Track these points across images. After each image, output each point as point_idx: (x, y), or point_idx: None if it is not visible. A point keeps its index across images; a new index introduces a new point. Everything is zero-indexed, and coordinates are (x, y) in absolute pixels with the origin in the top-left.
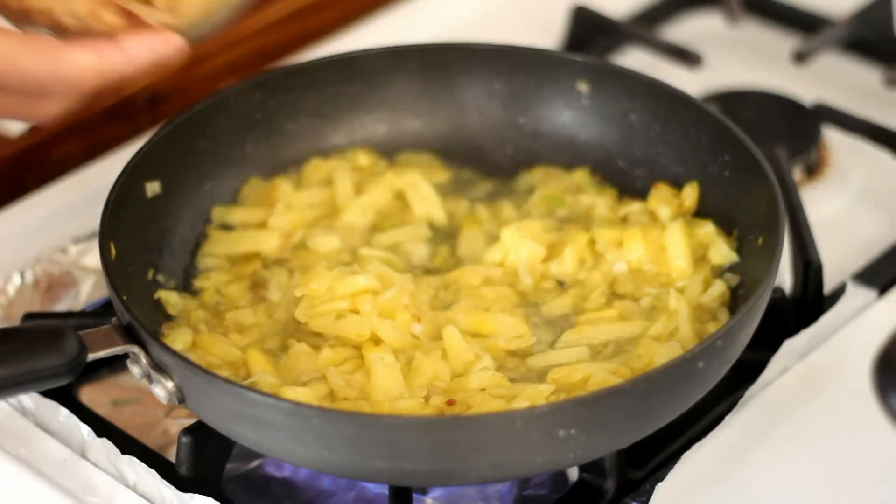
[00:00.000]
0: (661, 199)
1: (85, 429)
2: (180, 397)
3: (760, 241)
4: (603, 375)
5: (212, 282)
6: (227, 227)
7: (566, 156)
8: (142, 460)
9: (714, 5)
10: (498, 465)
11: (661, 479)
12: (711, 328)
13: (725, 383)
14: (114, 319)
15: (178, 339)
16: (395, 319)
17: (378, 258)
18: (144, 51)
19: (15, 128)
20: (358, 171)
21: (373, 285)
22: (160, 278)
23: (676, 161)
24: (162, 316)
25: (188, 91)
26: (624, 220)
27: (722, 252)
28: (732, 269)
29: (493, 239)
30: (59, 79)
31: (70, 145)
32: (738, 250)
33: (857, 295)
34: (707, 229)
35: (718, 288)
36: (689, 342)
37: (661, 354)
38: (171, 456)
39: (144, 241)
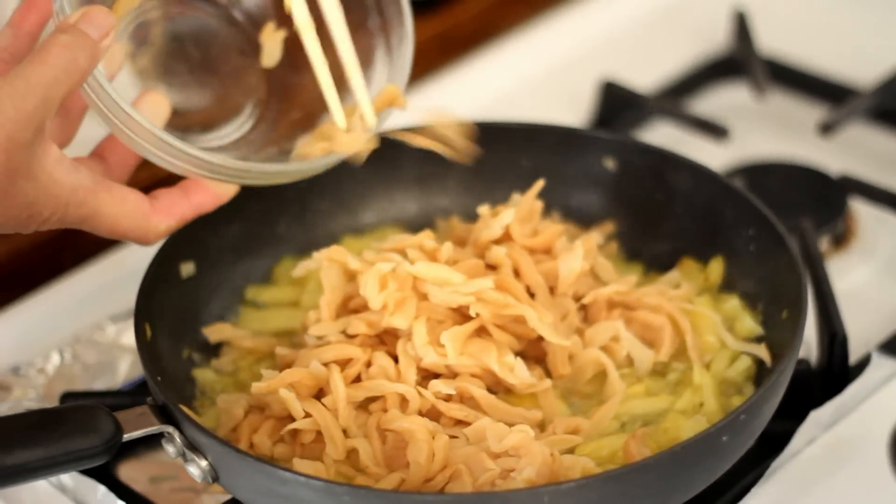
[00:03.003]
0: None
1: None
2: (214, 476)
3: (785, 314)
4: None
5: (245, 361)
6: (259, 306)
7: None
8: None
9: (741, 77)
10: None
11: None
12: (736, 402)
13: (752, 454)
14: (149, 399)
15: (213, 416)
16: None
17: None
18: (209, 199)
19: None
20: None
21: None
22: (195, 357)
23: (702, 236)
24: (198, 393)
25: None
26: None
27: (747, 326)
28: (759, 340)
29: None
30: (139, 238)
31: None
32: (764, 323)
33: (882, 366)
34: (732, 303)
35: (744, 362)
36: (715, 416)
37: (688, 429)
38: None
39: (179, 320)
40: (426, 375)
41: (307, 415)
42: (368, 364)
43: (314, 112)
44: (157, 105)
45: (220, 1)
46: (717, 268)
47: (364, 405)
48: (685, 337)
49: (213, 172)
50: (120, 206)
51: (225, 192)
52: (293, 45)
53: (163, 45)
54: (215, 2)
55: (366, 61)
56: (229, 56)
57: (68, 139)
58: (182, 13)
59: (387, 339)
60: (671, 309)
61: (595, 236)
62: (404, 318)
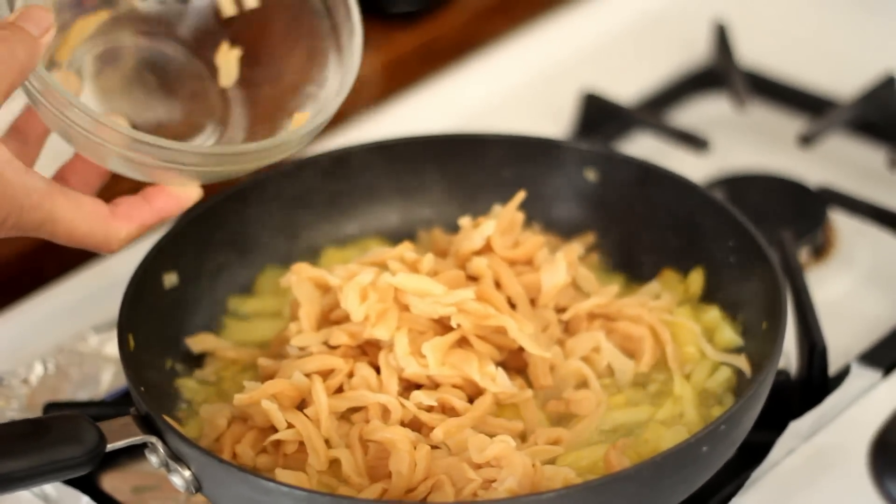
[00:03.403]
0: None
1: None
2: (197, 486)
3: (765, 325)
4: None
5: (229, 371)
6: (242, 317)
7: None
8: None
9: (721, 89)
10: None
11: None
12: (716, 412)
13: (731, 465)
14: (132, 410)
15: (196, 427)
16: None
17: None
18: (171, 204)
19: None
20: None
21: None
22: (178, 367)
23: (683, 247)
24: (181, 403)
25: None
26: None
27: (727, 337)
28: (739, 351)
29: None
30: (100, 245)
31: None
32: (744, 334)
33: (861, 376)
34: (712, 314)
35: (724, 373)
36: (695, 427)
37: (668, 439)
38: None
39: (162, 331)
40: (408, 386)
41: (290, 426)
42: (350, 375)
43: (276, 124)
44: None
45: (176, 32)
46: (697, 279)
47: (346, 416)
48: (665, 348)
49: (181, 163)
50: (77, 211)
51: (188, 196)
52: (251, 61)
53: (124, 69)
54: (171, 31)
55: (320, 63)
56: (187, 80)
57: (29, 165)
58: (142, 41)
59: (368, 350)
60: (652, 320)
61: (576, 248)
62: (386, 329)
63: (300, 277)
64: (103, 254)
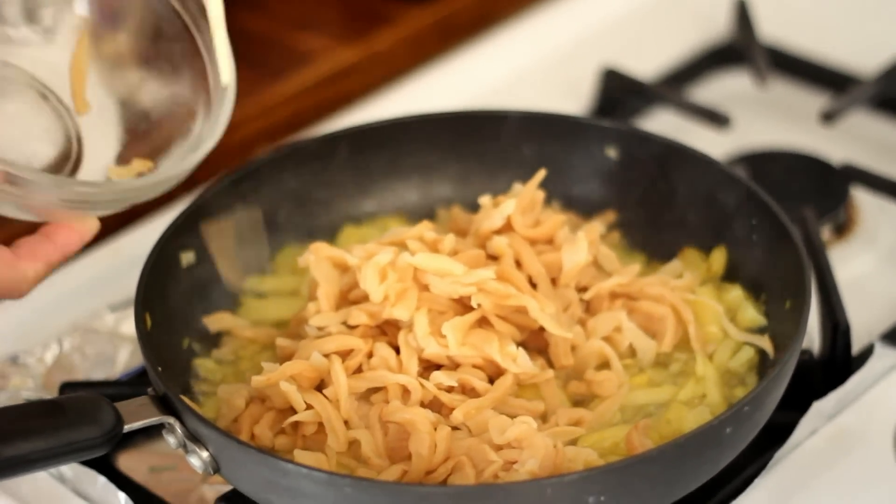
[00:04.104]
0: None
1: (122, 496)
2: (215, 467)
3: (788, 304)
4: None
5: (247, 350)
6: (260, 295)
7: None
8: None
9: (742, 65)
10: None
11: None
12: (740, 393)
13: (754, 446)
14: (149, 390)
15: (213, 407)
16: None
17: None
18: (73, 239)
19: None
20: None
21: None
22: (195, 347)
23: (705, 225)
24: (198, 383)
25: (222, 158)
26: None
27: (750, 316)
28: (762, 331)
29: None
30: (10, 290)
31: None
32: (767, 314)
33: (885, 356)
34: (735, 294)
35: (746, 353)
36: (718, 407)
37: (690, 420)
38: None
39: (180, 310)
40: (428, 366)
41: (308, 407)
42: (370, 355)
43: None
44: None
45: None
46: (719, 257)
47: (366, 396)
48: (688, 327)
49: (77, 199)
50: None
51: (88, 229)
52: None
53: None
54: None
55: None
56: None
57: None
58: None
59: (388, 330)
60: (674, 299)
61: (597, 226)
62: (405, 309)
63: (318, 257)
64: (13, 299)
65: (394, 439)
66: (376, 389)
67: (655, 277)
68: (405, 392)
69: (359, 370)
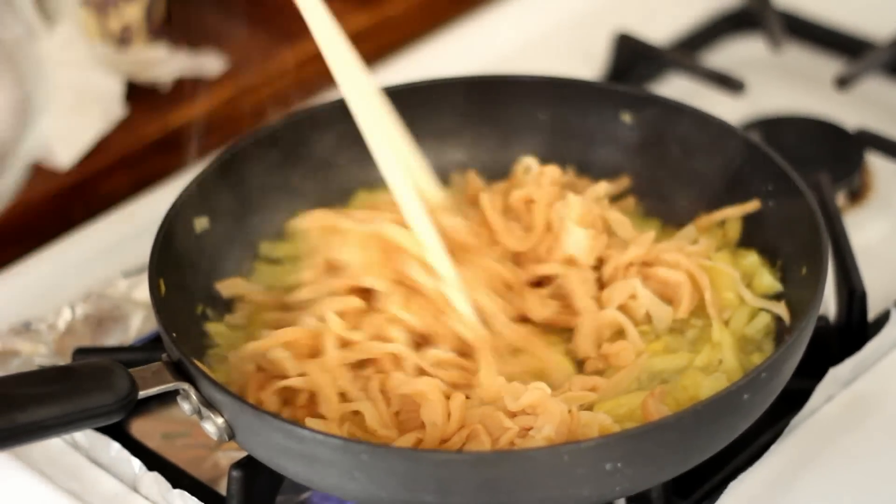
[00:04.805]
0: (705, 230)
1: (136, 463)
2: (230, 433)
3: (804, 270)
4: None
5: (259, 316)
6: (273, 261)
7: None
8: (193, 494)
9: (756, 30)
10: (545, 498)
11: None
12: (756, 359)
13: (770, 412)
14: (164, 356)
15: (225, 373)
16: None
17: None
18: None
19: (63, 161)
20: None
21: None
22: (209, 312)
23: (720, 191)
24: (211, 349)
25: (234, 124)
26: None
27: (766, 282)
28: (777, 297)
29: None
30: None
31: (117, 179)
32: (783, 280)
33: None
34: (750, 259)
35: (763, 319)
36: (734, 374)
37: (707, 386)
38: (222, 489)
39: (193, 276)
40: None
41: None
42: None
43: None
44: None
45: None
46: (734, 223)
47: (359, 367)
48: (704, 293)
49: None
50: None
51: None
52: None
53: None
54: None
55: None
56: None
57: None
58: None
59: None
60: (689, 265)
61: (602, 186)
62: (381, 281)
63: (308, 225)
64: None
65: (401, 411)
66: (368, 362)
67: (671, 243)
68: (396, 360)
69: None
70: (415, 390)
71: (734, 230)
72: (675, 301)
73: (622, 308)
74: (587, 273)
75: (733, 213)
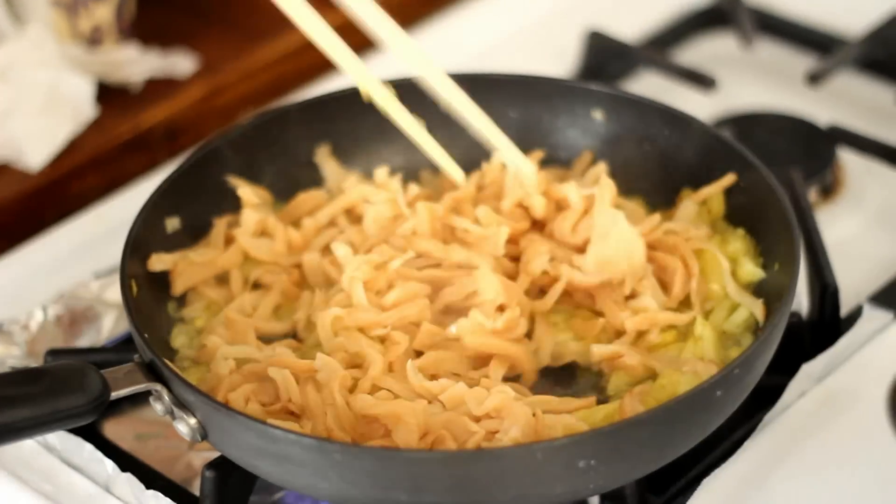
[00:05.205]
0: (689, 211)
1: (109, 464)
2: (203, 434)
3: (777, 266)
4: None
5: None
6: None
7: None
8: (166, 495)
9: (727, 27)
10: (519, 496)
11: None
12: (734, 354)
13: (743, 409)
14: (136, 357)
15: (197, 373)
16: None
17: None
18: None
19: (34, 162)
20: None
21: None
22: (172, 311)
23: (692, 187)
24: (183, 349)
25: (205, 123)
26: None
27: (749, 270)
28: (760, 286)
29: None
30: None
31: (89, 179)
32: (764, 267)
33: (873, 317)
34: (735, 247)
35: (742, 314)
36: (713, 369)
37: (684, 383)
38: (195, 489)
39: (164, 277)
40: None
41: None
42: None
43: None
44: None
45: None
46: (717, 198)
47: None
48: (691, 282)
49: None
50: None
51: None
52: None
53: None
54: None
55: None
56: None
57: None
58: None
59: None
60: (685, 251)
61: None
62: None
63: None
64: None
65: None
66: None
67: (678, 224)
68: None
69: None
70: (388, 412)
71: (718, 205)
72: (668, 287)
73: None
74: None
75: (713, 191)
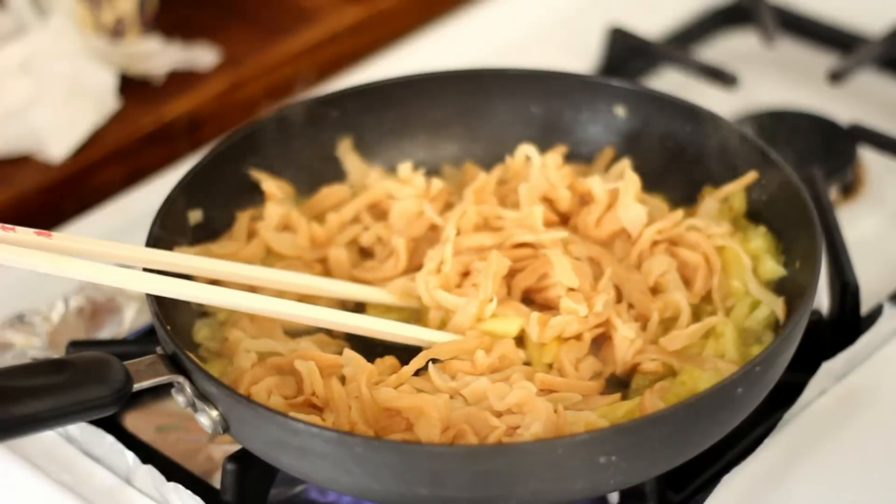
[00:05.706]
0: (711, 208)
1: (130, 456)
2: (224, 426)
3: (798, 264)
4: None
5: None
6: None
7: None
8: (187, 487)
9: (749, 24)
10: (539, 491)
11: (701, 502)
12: (756, 351)
13: (764, 406)
14: (158, 349)
15: (219, 366)
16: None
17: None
18: None
19: (56, 154)
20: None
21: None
22: (204, 306)
23: (713, 184)
24: (206, 342)
25: (226, 116)
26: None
27: (770, 267)
28: (781, 283)
29: None
30: None
31: (110, 172)
32: (786, 264)
33: (894, 316)
34: (756, 244)
35: (763, 311)
36: (734, 366)
37: (704, 380)
38: (216, 482)
39: None
40: None
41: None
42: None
43: None
44: None
45: None
46: (739, 196)
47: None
48: (713, 278)
49: None
50: None
51: None
52: None
53: None
54: None
55: None
56: None
57: None
58: None
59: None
60: (707, 248)
61: (635, 178)
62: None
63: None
64: None
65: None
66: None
67: (700, 220)
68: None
69: None
70: (412, 405)
71: (740, 202)
72: (690, 283)
73: (658, 282)
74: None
75: (734, 188)
